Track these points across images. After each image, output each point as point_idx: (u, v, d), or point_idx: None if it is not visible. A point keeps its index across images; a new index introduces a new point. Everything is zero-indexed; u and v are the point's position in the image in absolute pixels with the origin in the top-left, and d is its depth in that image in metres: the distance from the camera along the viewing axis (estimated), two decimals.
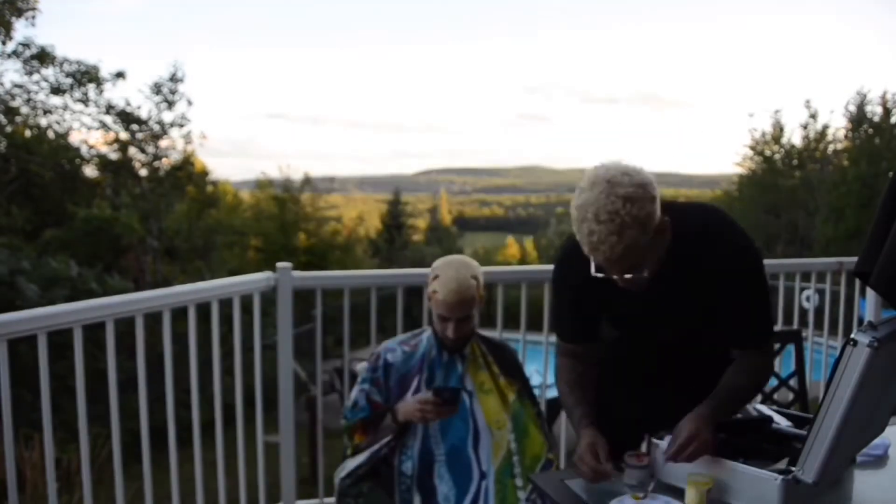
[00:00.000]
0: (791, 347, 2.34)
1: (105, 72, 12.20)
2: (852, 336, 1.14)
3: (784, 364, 2.47)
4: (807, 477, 1.24)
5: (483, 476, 1.90)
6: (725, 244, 1.53)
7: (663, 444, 1.51)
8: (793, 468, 1.30)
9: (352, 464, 1.98)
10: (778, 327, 4.23)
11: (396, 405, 1.94)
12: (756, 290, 1.55)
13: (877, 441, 1.56)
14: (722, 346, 1.66)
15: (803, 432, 1.52)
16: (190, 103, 13.05)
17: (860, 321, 3.53)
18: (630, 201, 1.34)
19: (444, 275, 1.90)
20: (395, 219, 26.22)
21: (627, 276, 1.42)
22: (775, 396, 2.30)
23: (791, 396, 2.30)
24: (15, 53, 11.61)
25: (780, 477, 1.30)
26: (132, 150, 12.86)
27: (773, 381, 2.30)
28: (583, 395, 1.67)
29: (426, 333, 2.05)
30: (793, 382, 2.30)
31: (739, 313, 1.55)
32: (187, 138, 13.17)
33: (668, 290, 1.53)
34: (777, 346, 2.34)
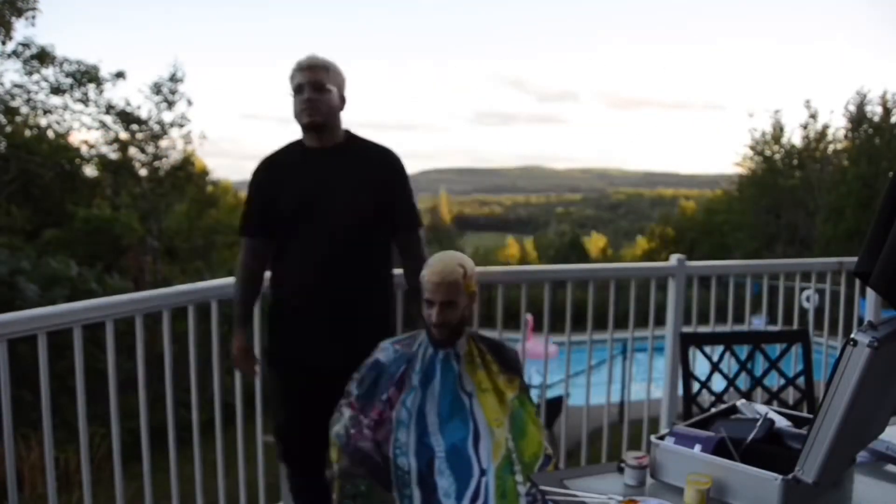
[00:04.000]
0: (797, 347, 2.34)
1: (105, 72, 12.21)
2: (852, 336, 1.14)
3: (792, 363, 2.47)
4: (807, 477, 1.24)
5: (483, 473, 1.90)
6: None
7: (664, 444, 1.51)
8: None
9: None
10: (778, 327, 4.25)
11: None
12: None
13: (877, 441, 1.56)
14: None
15: (802, 432, 1.52)
16: (190, 103, 13.07)
17: (860, 321, 3.53)
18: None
19: (432, 261, 1.99)
20: None
21: (315, 94, 2.07)
22: (782, 396, 2.30)
23: (798, 396, 2.29)
24: (15, 53, 11.61)
25: (780, 477, 1.30)
26: (132, 150, 12.86)
27: (780, 381, 2.31)
28: (249, 293, 2.30)
29: (422, 335, 2.05)
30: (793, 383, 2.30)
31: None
32: (187, 138, 13.18)
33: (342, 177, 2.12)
34: (784, 345, 2.34)
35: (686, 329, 3.11)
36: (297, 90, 2.12)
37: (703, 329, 3.02)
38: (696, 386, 2.27)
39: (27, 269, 8.25)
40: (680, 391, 2.14)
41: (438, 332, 1.97)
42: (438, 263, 1.96)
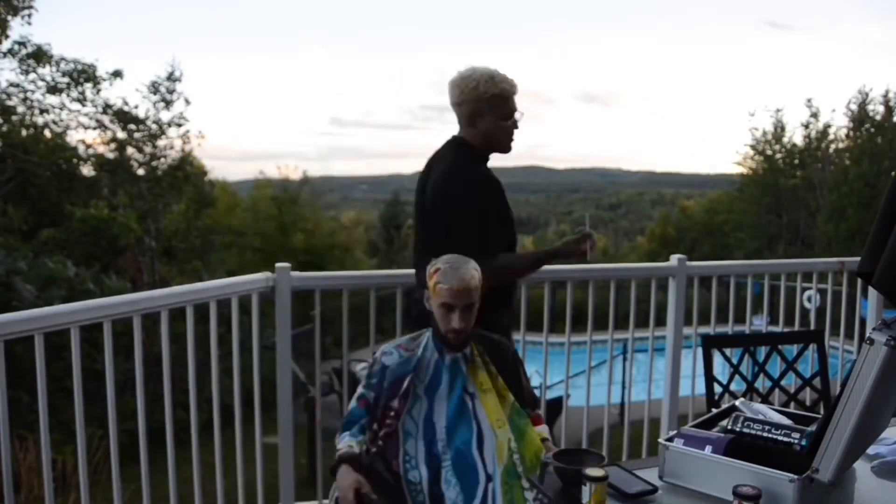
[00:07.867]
0: (813, 347, 2.35)
1: (102, 70, 12.15)
2: (868, 335, 1.12)
3: (807, 364, 2.46)
4: (823, 476, 1.22)
5: (489, 479, 1.86)
6: None
7: (674, 445, 1.48)
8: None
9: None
10: (779, 328, 4.23)
11: (339, 475, 1.84)
12: None
13: (878, 441, 1.55)
14: None
15: (806, 429, 1.50)
16: (188, 102, 13.02)
17: (862, 321, 3.52)
18: None
19: (446, 265, 1.93)
20: (394, 219, 26.21)
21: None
22: (799, 396, 2.29)
23: (815, 396, 2.29)
24: (10, 52, 11.54)
25: (796, 477, 1.28)
26: (129, 150, 12.81)
27: (796, 381, 2.30)
28: None
29: (426, 337, 2.00)
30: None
31: None
32: (185, 138, 13.12)
33: None
34: (800, 346, 2.33)
35: (690, 330, 3.09)
36: (510, 117, 2.28)
37: (703, 330, 3.01)
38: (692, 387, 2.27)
39: (24, 270, 8.23)
40: (696, 392, 2.12)
41: (456, 338, 1.94)
42: (456, 269, 1.91)
